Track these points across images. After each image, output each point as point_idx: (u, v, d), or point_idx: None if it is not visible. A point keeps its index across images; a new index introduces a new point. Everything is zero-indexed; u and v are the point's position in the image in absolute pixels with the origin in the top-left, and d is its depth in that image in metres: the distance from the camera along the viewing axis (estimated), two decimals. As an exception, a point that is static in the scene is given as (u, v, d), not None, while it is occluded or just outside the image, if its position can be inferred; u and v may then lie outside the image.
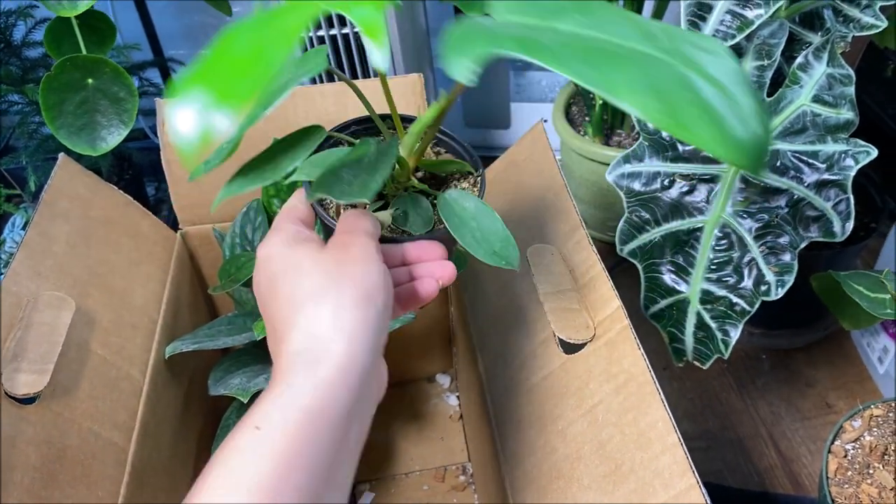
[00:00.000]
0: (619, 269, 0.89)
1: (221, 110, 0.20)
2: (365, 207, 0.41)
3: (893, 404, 0.60)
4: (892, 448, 0.57)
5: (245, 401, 0.54)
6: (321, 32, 0.84)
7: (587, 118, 0.92)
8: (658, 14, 0.83)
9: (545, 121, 0.65)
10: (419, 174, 0.45)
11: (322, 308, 0.32)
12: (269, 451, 0.28)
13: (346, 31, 0.83)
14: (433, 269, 0.39)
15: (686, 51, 0.27)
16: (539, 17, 0.28)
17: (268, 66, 0.20)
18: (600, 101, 0.86)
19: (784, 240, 0.55)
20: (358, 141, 0.41)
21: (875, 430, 0.59)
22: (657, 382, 0.43)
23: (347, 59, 0.87)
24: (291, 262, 0.34)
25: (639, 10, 0.83)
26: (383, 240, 0.39)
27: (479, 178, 0.43)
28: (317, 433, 0.29)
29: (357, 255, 0.34)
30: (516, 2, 0.29)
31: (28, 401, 0.46)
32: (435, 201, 0.41)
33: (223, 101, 0.20)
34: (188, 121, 0.19)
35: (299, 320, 0.32)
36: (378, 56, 0.22)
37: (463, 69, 0.22)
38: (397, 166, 0.42)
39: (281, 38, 0.21)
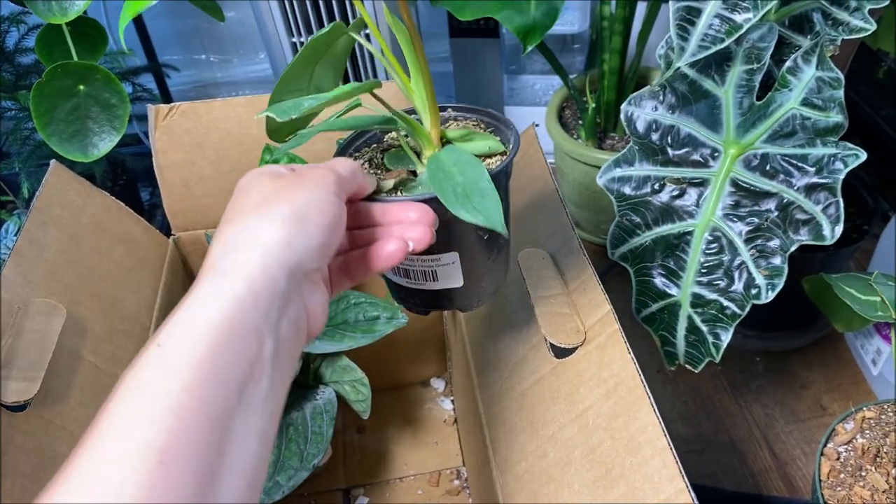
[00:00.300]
0: (612, 273, 0.89)
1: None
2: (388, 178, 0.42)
3: (885, 406, 0.60)
4: (885, 450, 0.57)
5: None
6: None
7: (580, 122, 0.92)
8: (650, 17, 0.83)
9: (537, 125, 0.65)
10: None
11: (246, 222, 0.32)
12: (174, 368, 0.27)
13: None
14: (405, 230, 0.38)
15: None
16: None
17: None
18: (593, 105, 0.86)
19: (774, 243, 0.55)
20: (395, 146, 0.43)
21: (867, 432, 0.59)
22: (647, 386, 0.43)
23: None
24: (246, 186, 0.35)
25: (631, 13, 0.83)
26: (367, 199, 0.39)
27: (511, 155, 0.42)
28: (222, 347, 0.28)
29: (305, 181, 0.34)
30: None
31: (18, 408, 0.46)
32: None
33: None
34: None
35: (222, 234, 0.32)
36: None
37: None
38: (421, 139, 0.42)
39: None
